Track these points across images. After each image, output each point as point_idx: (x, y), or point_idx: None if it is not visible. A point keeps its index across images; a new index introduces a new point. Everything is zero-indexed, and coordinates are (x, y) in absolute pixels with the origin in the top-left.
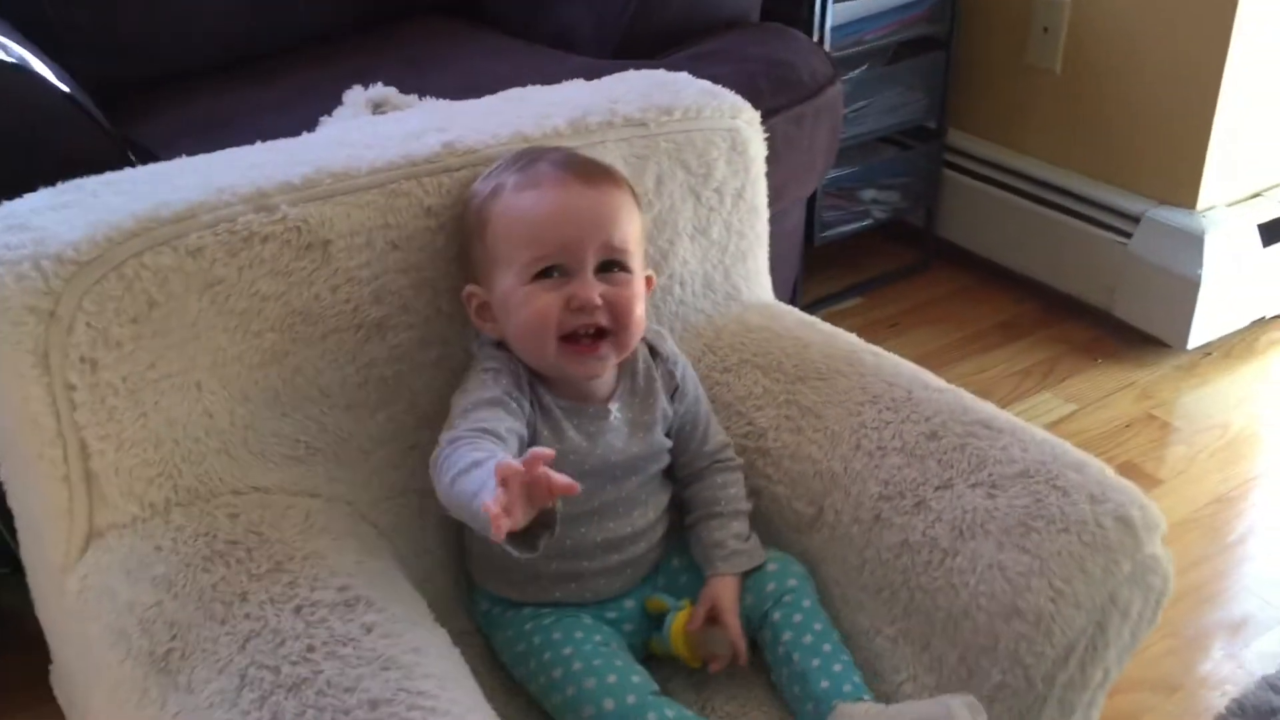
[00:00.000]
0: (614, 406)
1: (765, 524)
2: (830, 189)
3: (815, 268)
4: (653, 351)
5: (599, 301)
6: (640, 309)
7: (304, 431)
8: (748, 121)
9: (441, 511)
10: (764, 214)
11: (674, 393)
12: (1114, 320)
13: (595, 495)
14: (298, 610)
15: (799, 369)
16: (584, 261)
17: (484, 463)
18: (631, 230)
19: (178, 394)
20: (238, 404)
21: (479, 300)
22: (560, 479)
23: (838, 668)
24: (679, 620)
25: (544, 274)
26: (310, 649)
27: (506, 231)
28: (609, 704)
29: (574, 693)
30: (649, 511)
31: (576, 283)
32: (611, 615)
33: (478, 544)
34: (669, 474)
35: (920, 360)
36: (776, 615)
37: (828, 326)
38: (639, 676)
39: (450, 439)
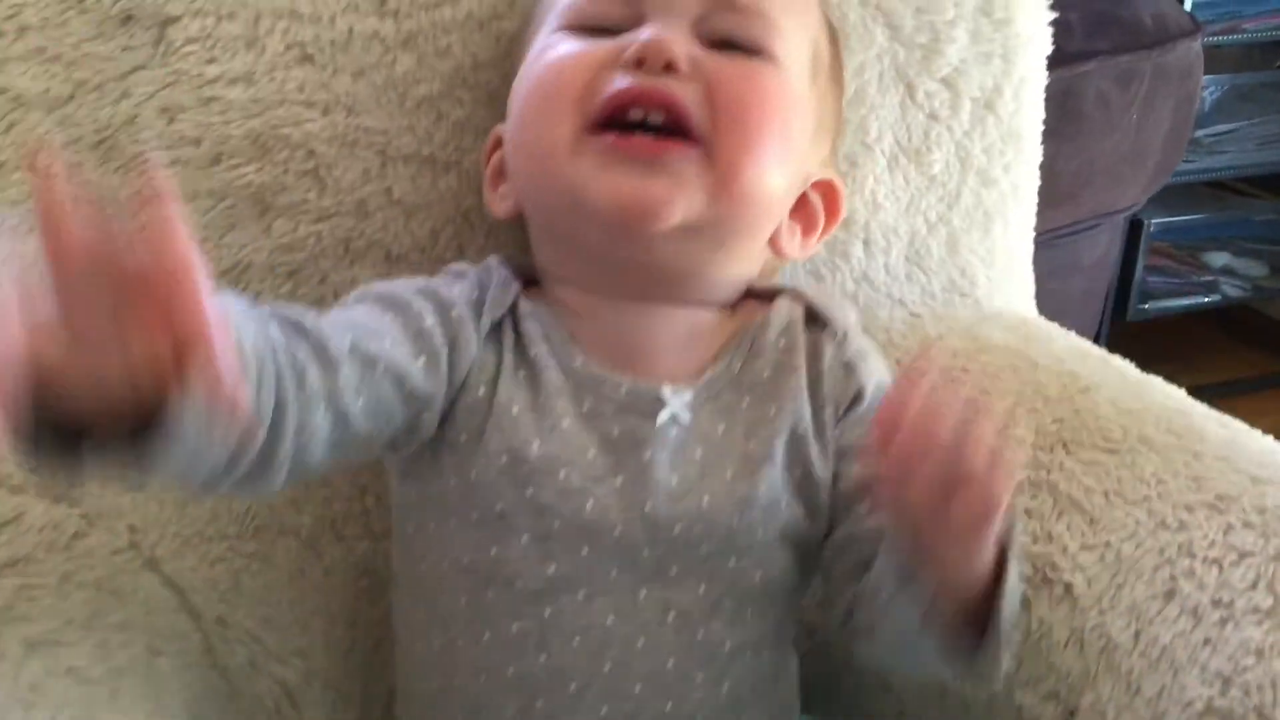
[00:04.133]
0: (679, 395)
1: None
2: (1161, 240)
3: (1124, 355)
4: (810, 315)
5: (681, 58)
6: (776, 145)
7: None
8: None
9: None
10: (1033, 154)
11: (850, 405)
12: None
13: (583, 609)
14: None
15: (1068, 426)
16: (669, 2)
17: None
18: None
19: None
20: None
21: (501, 152)
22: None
23: None
24: None
25: (589, 30)
26: None
27: None
28: None
29: None
30: (701, 683)
31: (645, 27)
32: None
33: (411, 670)
34: (783, 598)
35: None
36: None
37: (1135, 370)
38: None
39: None
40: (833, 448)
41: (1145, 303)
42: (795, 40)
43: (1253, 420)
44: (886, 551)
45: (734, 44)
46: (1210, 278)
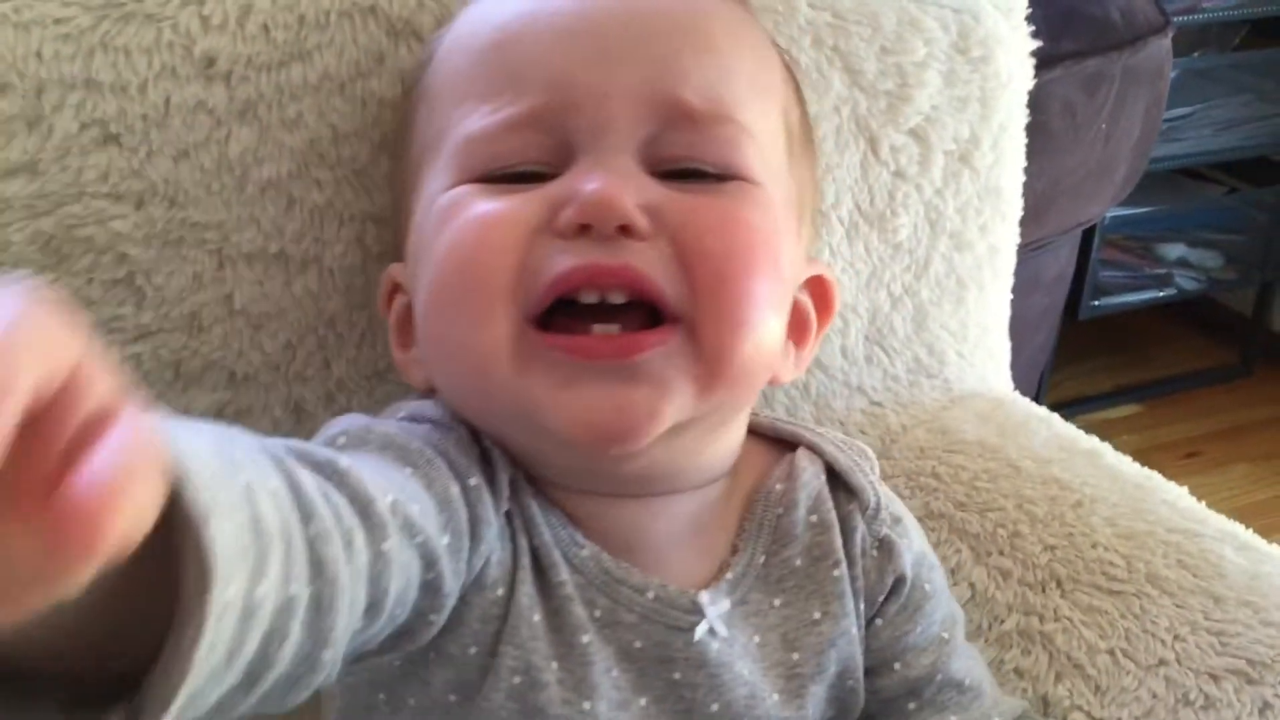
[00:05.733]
0: (717, 604)
1: None
2: (1115, 233)
3: (1075, 350)
4: (834, 476)
5: (637, 217)
6: (769, 298)
7: None
8: (1000, 4)
9: None
10: (1013, 210)
11: (890, 591)
12: None
13: None
14: None
15: (1061, 557)
16: (604, 122)
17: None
18: (742, 77)
19: None
20: None
21: (404, 297)
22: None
23: None
24: None
25: (507, 179)
26: None
27: (447, 75)
28: None
29: None
30: None
31: (580, 168)
32: None
33: None
34: None
35: (1232, 515)
36: None
37: (1130, 468)
38: None
39: None
40: (869, 643)
41: (1100, 298)
42: (765, 126)
43: (1210, 415)
44: None
45: (697, 171)
46: (1164, 270)
